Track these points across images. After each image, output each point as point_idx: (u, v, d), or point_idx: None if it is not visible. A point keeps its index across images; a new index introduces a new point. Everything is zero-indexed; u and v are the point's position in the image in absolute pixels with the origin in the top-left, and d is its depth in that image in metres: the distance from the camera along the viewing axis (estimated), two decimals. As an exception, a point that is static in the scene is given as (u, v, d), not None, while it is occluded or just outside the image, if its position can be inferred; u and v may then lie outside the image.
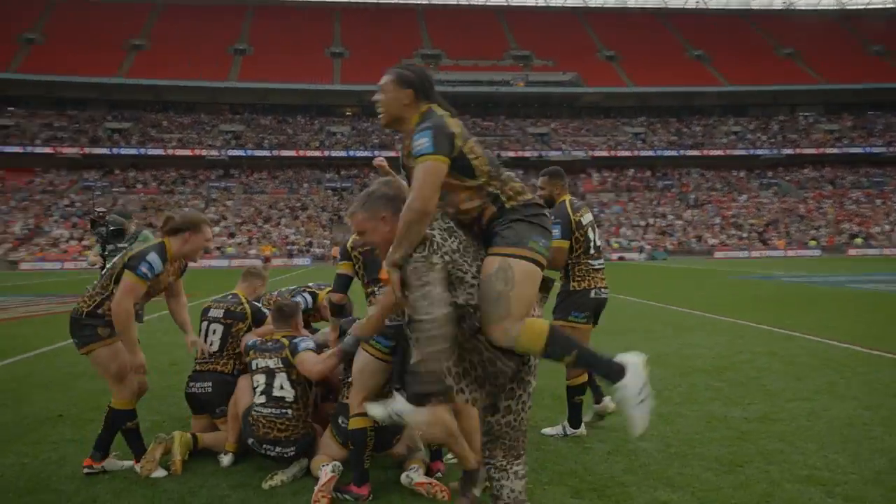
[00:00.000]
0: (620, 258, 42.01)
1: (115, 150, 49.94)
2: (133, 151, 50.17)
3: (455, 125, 2.47)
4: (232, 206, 48.83)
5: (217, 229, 41.08)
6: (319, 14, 63.27)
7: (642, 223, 48.77)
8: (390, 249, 2.42)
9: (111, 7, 58.11)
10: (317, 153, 53.17)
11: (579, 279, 4.35)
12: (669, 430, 4.24)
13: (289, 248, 43.30)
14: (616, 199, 52.25)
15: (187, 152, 50.65)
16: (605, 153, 54.66)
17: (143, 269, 3.37)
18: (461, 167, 2.47)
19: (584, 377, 4.43)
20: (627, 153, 54.96)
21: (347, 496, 3.09)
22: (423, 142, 2.39)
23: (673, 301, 12.46)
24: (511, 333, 2.40)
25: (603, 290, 4.45)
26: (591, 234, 4.41)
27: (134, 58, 54.51)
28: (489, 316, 2.40)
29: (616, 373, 2.45)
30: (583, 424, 4.39)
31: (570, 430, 4.37)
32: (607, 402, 4.56)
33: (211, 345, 3.91)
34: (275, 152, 52.39)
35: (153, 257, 3.42)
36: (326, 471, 3.08)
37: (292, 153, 52.60)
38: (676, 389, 5.32)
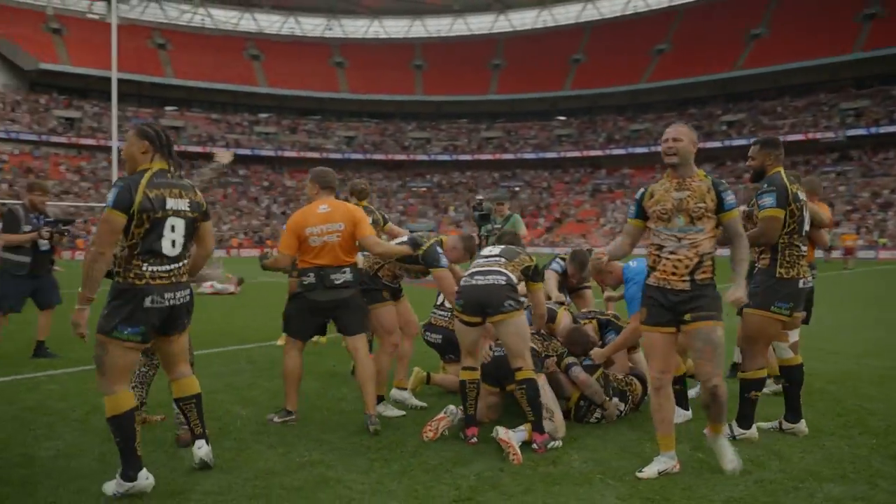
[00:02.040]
0: None
1: (726, 143, 51.83)
2: (743, 142, 51.16)
3: None
4: (844, 191, 44.51)
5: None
6: None
7: None
8: None
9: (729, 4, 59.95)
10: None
11: (788, 265, 3.88)
12: None
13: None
14: None
15: (799, 136, 48.45)
16: None
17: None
18: None
19: (762, 373, 4.00)
20: None
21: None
22: None
23: None
24: None
25: (809, 279, 4.00)
26: (805, 213, 3.93)
27: (750, 49, 55.13)
28: None
29: None
30: (755, 427, 3.94)
31: (737, 431, 3.93)
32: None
33: None
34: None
35: None
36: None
37: None
38: None
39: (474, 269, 4.07)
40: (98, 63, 45.17)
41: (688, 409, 4.46)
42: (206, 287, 13.34)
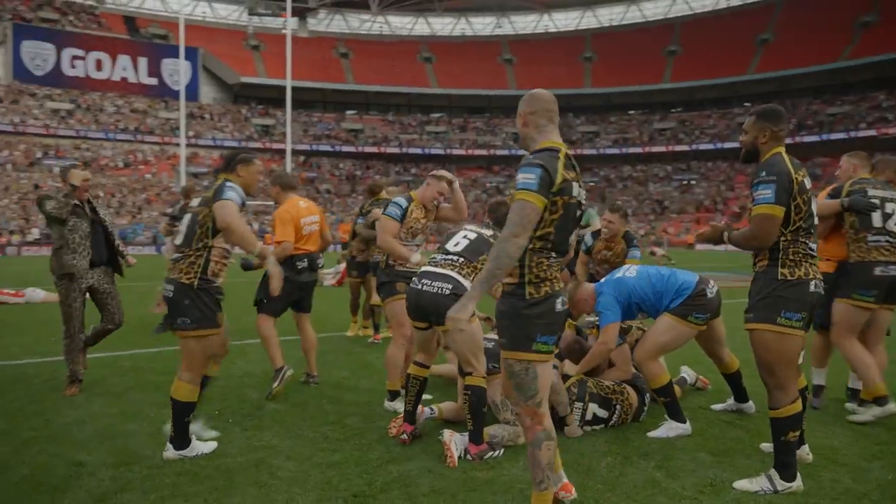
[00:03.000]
0: None
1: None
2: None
3: None
4: None
5: None
6: None
7: None
8: None
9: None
10: None
11: (792, 265, 3.19)
12: None
13: None
14: None
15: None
16: None
17: None
18: None
19: (797, 407, 3.23)
20: None
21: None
22: None
23: None
24: None
25: (820, 281, 3.28)
26: (813, 206, 3.28)
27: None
28: None
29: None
30: (799, 478, 3.23)
31: (779, 484, 3.20)
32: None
33: None
34: None
35: None
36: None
37: None
38: None
39: (424, 270, 3.91)
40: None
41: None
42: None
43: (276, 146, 56.88)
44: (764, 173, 3.18)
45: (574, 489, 2.96)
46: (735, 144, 54.72)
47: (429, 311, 3.75)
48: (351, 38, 66.82)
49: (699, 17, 63.33)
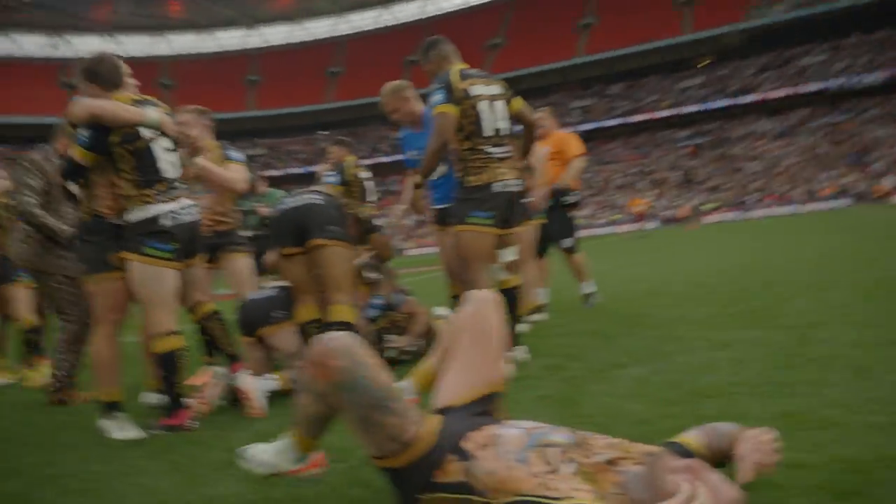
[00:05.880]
0: None
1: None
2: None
3: None
4: (585, 179, 50.14)
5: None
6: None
7: None
8: None
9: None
10: (667, 112, 50.93)
11: (478, 171, 3.59)
12: None
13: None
14: None
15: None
16: None
17: None
18: None
19: None
20: None
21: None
22: None
23: None
24: None
25: (511, 181, 3.65)
26: (485, 109, 3.61)
27: (493, 58, 59.61)
28: None
29: None
30: None
31: None
32: None
33: None
34: (626, 119, 51.96)
35: None
36: None
37: (644, 117, 51.34)
38: None
39: None
40: None
41: None
42: None
43: None
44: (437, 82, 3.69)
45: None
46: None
47: None
48: None
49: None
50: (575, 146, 5.92)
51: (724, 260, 9.93)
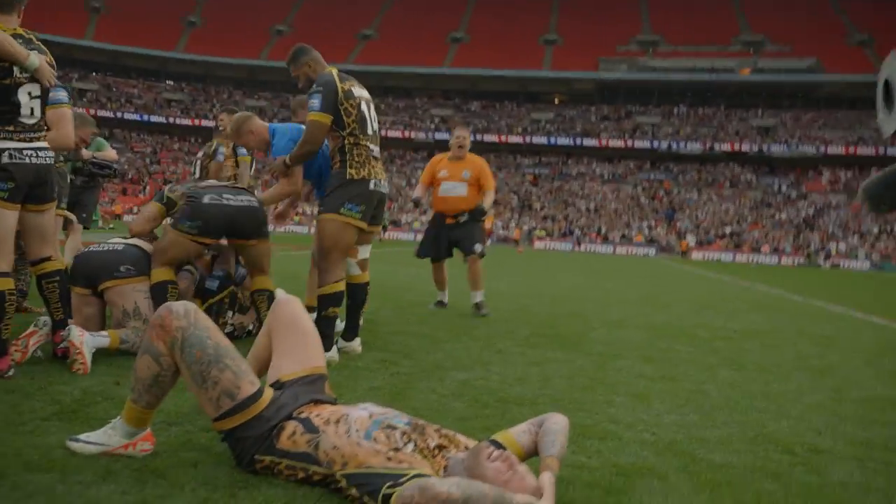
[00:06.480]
0: (835, 266, 36.82)
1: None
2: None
3: None
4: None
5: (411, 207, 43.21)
6: (538, 2, 63.26)
7: (875, 230, 41.80)
8: None
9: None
10: (518, 139, 53.82)
11: (359, 165, 3.77)
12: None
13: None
14: (848, 202, 45.35)
15: (398, 134, 54.02)
16: (841, 151, 47.65)
17: None
18: None
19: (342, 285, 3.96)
20: (870, 152, 47.16)
21: None
22: None
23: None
24: None
25: (382, 183, 3.92)
26: (365, 110, 3.82)
27: (362, 48, 59.39)
28: None
29: None
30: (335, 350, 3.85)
31: None
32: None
33: None
34: (478, 137, 54.02)
35: None
36: None
37: (495, 139, 53.72)
38: None
39: None
40: None
41: None
42: None
43: None
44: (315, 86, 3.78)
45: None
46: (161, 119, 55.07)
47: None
48: None
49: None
50: (490, 177, 6.54)
51: (546, 286, 10.88)
